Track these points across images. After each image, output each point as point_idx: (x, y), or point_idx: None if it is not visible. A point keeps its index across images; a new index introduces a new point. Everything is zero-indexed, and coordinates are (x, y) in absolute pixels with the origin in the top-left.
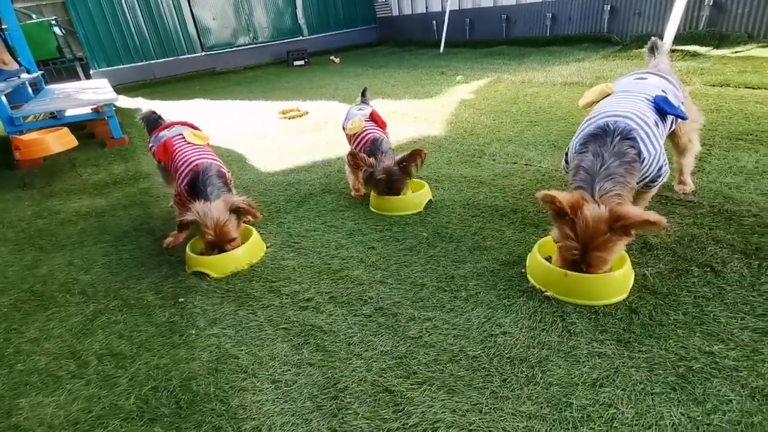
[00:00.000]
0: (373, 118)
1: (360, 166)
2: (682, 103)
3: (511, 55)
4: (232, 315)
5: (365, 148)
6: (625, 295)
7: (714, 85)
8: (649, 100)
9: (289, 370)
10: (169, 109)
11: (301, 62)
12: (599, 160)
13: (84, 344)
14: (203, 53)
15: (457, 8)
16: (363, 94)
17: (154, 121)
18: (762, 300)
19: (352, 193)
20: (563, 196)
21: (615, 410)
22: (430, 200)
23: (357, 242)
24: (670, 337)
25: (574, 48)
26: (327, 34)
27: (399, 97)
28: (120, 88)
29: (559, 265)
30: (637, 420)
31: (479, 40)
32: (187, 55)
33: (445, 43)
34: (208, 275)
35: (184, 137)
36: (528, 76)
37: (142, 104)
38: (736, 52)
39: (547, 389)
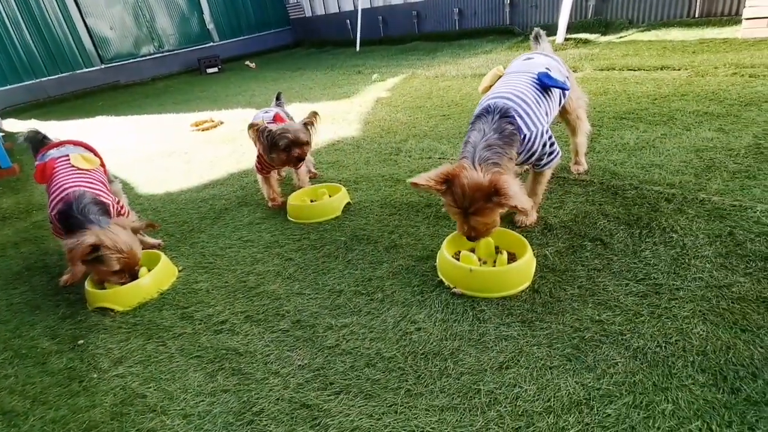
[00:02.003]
0: (276, 120)
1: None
2: (567, 77)
3: (425, 50)
4: (140, 350)
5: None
6: (528, 283)
7: (602, 70)
8: (533, 77)
9: (203, 400)
10: (67, 129)
11: (215, 69)
12: (481, 134)
13: None
14: (103, 66)
15: (369, 6)
16: (278, 98)
17: (39, 142)
18: (642, 266)
19: (269, 204)
20: (437, 174)
21: (519, 389)
22: (348, 203)
23: (274, 255)
24: (566, 312)
25: (482, 40)
26: (240, 38)
27: (317, 99)
28: (8, 111)
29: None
30: (538, 395)
31: (393, 37)
32: (84, 70)
33: (360, 42)
34: (112, 310)
35: (69, 159)
36: (441, 71)
37: (36, 127)
38: (621, 37)
39: (458, 379)
